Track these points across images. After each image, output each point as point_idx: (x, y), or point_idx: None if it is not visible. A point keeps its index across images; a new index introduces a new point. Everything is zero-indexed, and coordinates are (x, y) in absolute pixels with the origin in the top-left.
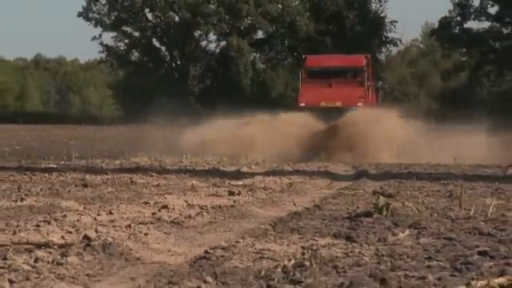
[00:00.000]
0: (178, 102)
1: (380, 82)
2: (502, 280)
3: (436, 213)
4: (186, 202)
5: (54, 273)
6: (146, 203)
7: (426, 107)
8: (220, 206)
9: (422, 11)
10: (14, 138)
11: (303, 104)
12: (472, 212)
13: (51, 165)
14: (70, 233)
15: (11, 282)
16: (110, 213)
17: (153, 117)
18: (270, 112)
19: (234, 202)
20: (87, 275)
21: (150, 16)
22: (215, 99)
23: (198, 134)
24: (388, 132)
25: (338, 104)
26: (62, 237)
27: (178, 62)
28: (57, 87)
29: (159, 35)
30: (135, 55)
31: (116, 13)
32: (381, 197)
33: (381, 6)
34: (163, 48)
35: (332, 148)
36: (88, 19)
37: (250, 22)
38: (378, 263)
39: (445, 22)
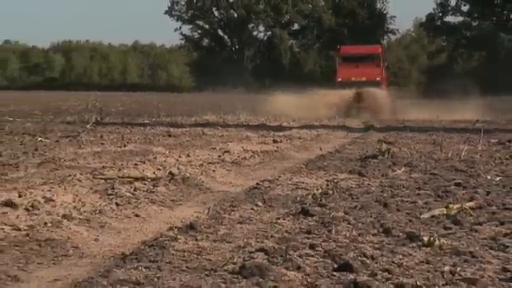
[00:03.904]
0: (236, 76)
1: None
2: (471, 204)
3: (423, 155)
4: (243, 147)
5: (148, 198)
6: (213, 148)
7: (416, 79)
8: (267, 151)
9: (413, 9)
10: (118, 102)
11: (340, 79)
12: (450, 155)
13: (145, 121)
14: (159, 170)
15: (117, 204)
16: (188, 155)
17: (218, 87)
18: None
19: (277, 147)
20: (172, 200)
21: (216, 13)
22: (263, 74)
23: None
24: (393, 98)
25: (363, 79)
26: (154, 172)
27: (236, 47)
28: (149, 65)
29: (223, 27)
30: (205, 42)
31: (192, 11)
32: (383, 144)
33: (384, 5)
34: (226, 36)
35: (359, 109)
36: (171, 15)
37: (288, 17)
38: (382, 192)
39: (430, 17)
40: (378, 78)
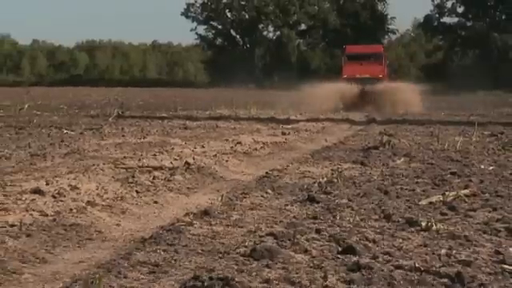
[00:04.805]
0: (247, 73)
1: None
2: (466, 191)
3: (421, 146)
4: (253, 139)
5: (166, 186)
6: (226, 140)
7: (415, 76)
8: (276, 142)
9: (412, 10)
10: (138, 97)
11: (345, 76)
12: (446, 146)
13: (163, 114)
14: (176, 160)
15: (137, 192)
16: (203, 147)
17: (230, 83)
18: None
19: (286, 139)
20: (188, 188)
21: (229, 14)
22: (272, 71)
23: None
24: (396, 95)
25: (367, 76)
26: (171, 162)
27: (248, 46)
28: (167, 63)
29: (235, 27)
30: (219, 41)
31: (206, 12)
32: (384, 135)
33: (384, 6)
34: (238, 36)
35: (363, 103)
36: (187, 17)
37: (296, 18)
38: (383, 180)
39: (428, 18)
40: (380, 75)
